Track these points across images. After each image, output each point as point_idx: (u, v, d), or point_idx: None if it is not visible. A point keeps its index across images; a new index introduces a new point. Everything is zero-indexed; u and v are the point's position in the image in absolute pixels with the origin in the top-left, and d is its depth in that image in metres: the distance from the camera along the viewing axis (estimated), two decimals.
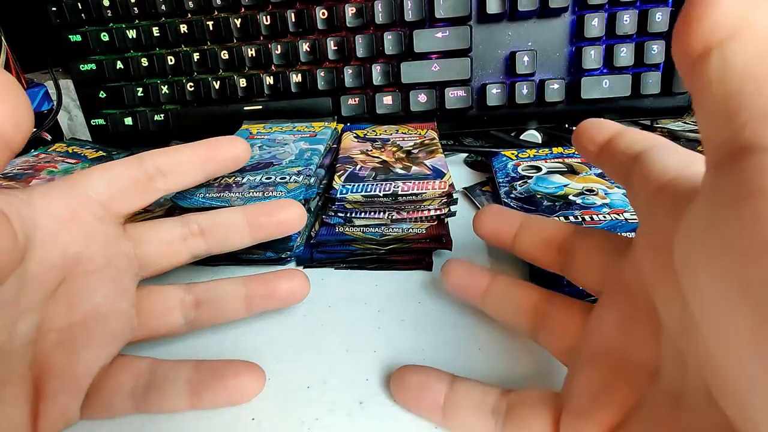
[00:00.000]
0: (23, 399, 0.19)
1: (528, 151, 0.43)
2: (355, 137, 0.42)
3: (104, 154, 0.45)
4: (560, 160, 0.40)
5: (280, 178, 0.34)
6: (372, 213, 0.34)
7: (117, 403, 0.21)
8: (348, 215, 0.34)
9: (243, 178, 0.34)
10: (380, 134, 0.43)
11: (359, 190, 0.33)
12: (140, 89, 0.49)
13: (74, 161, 0.43)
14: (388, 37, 0.45)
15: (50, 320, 0.20)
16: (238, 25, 0.47)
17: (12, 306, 0.18)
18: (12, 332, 0.18)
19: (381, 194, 0.32)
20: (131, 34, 0.48)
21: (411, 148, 0.39)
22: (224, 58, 0.47)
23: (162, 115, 0.50)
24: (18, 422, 0.18)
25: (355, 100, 0.48)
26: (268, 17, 0.46)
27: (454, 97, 0.46)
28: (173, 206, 0.33)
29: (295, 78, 0.47)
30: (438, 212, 0.33)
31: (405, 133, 0.42)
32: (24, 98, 0.17)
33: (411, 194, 0.32)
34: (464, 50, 0.45)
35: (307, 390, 0.24)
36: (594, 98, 0.45)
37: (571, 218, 0.32)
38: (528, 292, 0.23)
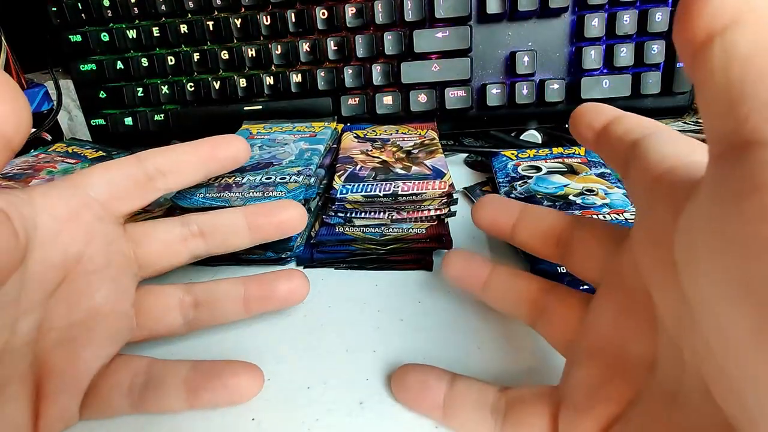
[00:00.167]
0: (24, 399, 0.19)
1: (528, 151, 0.43)
2: (355, 137, 0.42)
3: (104, 154, 0.45)
4: (560, 160, 0.40)
5: (280, 178, 0.34)
6: (372, 213, 0.34)
7: (115, 402, 0.21)
8: (348, 215, 0.34)
9: (243, 178, 0.34)
10: (380, 134, 0.43)
11: (359, 190, 0.33)
12: (140, 89, 0.49)
13: (74, 161, 0.43)
14: (388, 37, 0.45)
15: (50, 319, 0.20)
16: (238, 25, 0.47)
17: (13, 306, 0.18)
18: (13, 332, 0.18)
19: (381, 194, 0.32)
20: (131, 34, 0.48)
21: (411, 148, 0.39)
22: (224, 58, 0.47)
23: (162, 115, 0.50)
24: (19, 422, 0.18)
25: (355, 100, 0.48)
26: (268, 17, 0.46)
27: (454, 97, 0.46)
28: (173, 206, 0.33)
29: (295, 78, 0.47)
30: (438, 212, 0.33)
31: (405, 133, 0.42)
32: (23, 98, 0.17)
33: (411, 194, 0.32)
34: (464, 50, 0.45)
35: (307, 390, 0.24)
36: (594, 98, 0.45)
37: None
38: (528, 283, 0.23)
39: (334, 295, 0.30)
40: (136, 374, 0.22)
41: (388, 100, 0.47)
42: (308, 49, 0.47)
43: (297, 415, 0.22)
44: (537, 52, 0.45)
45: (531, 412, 0.19)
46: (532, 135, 0.48)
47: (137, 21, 0.48)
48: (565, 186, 0.36)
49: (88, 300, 0.21)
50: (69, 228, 0.20)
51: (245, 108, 0.49)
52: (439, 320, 0.27)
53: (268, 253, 0.32)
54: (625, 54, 0.44)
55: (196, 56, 0.48)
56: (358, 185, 0.33)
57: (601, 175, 0.37)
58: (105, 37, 0.48)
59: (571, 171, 0.38)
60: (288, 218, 0.27)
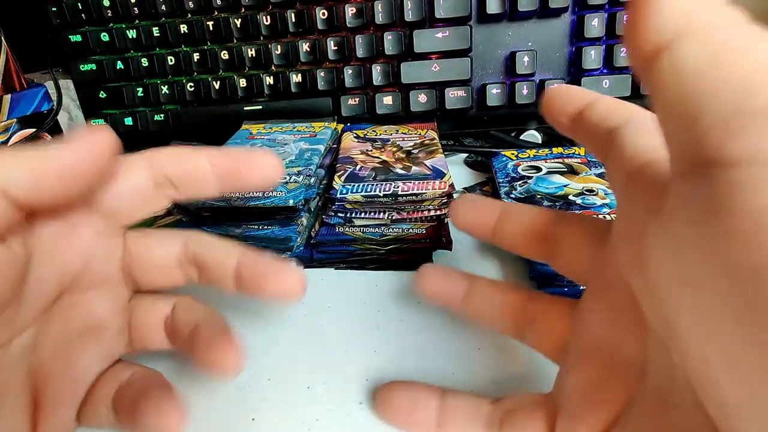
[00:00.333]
0: (22, 410, 0.19)
1: (528, 151, 0.43)
2: (355, 137, 0.42)
3: None
4: (560, 160, 0.40)
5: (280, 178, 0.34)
6: (372, 213, 0.34)
7: (107, 412, 0.21)
8: (348, 215, 0.34)
9: None
10: (380, 134, 0.43)
11: (359, 191, 0.33)
12: (140, 89, 0.49)
13: None
14: (388, 37, 0.45)
15: (46, 332, 0.19)
16: (238, 25, 0.47)
17: (9, 321, 0.18)
18: (9, 344, 0.18)
19: (381, 194, 0.32)
20: (131, 34, 0.48)
21: (411, 148, 0.39)
22: (224, 58, 0.47)
23: (162, 115, 0.50)
24: None
25: (355, 100, 0.48)
26: (268, 17, 0.46)
27: (454, 97, 0.46)
28: (173, 206, 0.33)
29: (295, 78, 0.47)
30: (438, 212, 0.33)
31: (405, 133, 0.42)
32: (51, 162, 0.16)
33: (411, 194, 0.32)
34: (464, 50, 0.45)
35: (307, 390, 0.24)
36: None
37: None
38: (510, 294, 0.22)
39: (334, 295, 0.30)
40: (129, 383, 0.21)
41: (388, 100, 0.47)
42: (308, 49, 0.47)
43: (297, 415, 0.22)
44: (537, 52, 0.45)
45: (527, 422, 0.19)
46: (532, 135, 0.48)
47: (137, 21, 0.48)
48: (565, 186, 0.36)
49: (83, 315, 0.21)
50: (68, 245, 0.19)
51: (245, 108, 0.49)
52: (439, 321, 0.27)
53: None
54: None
55: (196, 56, 0.48)
56: (358, 185, 0.33)
57: (601, 175, 0.37)
58: (105, 37, 0.48)
59: (571, 171, 0.38)
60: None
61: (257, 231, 0.32)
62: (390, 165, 0.36)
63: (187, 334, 0.20)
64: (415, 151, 0.38)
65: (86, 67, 0.49)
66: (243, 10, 0.46)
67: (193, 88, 0.49)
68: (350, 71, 0.47)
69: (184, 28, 0.47)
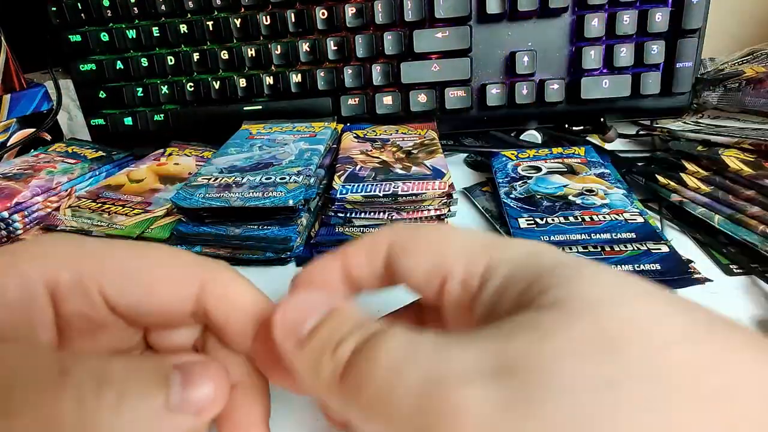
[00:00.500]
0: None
1: (528, 151, 0.43)
2: (355, 137, 0.42)
3: (104, 154, 0.45)
4: (560, 160, 0.40)
5: (280, 178, 0.34)
6: (372, 213, 0.34)
7: None
8: (348, 215, 0.34)
9: (243, 178, 0.34)
10: (380, 134, 0.43)
11: (359, 191, 0.33)
12: (140, 89, 0.49)
13: (74, 161, 0.43)
14: (388, 37, 0.45)
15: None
16: (238, 25, 0.47)
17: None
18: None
19: (381, 194, 0.32)
20: (131, 34, 0.48)
21: (411, 149, 0.39)
22: (224, 58, 0.47)
23: (162, 115, 0.50)
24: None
25: (355, 100, 0.48)
26: (268, 17, 0.46)
27: (454, 97, 0.46)
28: (173, 206, 0.33)
29: (295, 78, 0.47)
30: (438, 212, 0.33)
31: (405, 134, 0.42)
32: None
33: (411, 194, 0.32)
34: (464, 50, 0.45)
35: None
36: (594, 98, 0.45)
37: (571, 218, 0.32)
38: None
39: None
40: None
41: (388, 100, 0.47)
42: (308, 49, 0.47)
43: (297, 416, 0.22)
44: (537, 52, 0.45)
45: None
46: (532, 135, 0.48)
47: (137, 21, 0.48)
48: (564, 186, 0.36)
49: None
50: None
51: (245, 108, 0.49)
52: None
53: (267, 254, 0.32)
54: (624, 54, 0.44)
55: (196, 56, 0.48)
56: (358, 185, 0.33)
57: (601, 176, 0.37)
58: (105, 37, 0.48)
59: (571, 171, 0.38)
60: None
61: (257, 231, 0.32)
62: (390, 165, 0.36)
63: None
64: (415, 151, 0.38)
65: (86, 67, 0.49)
66: (243, 10, 0.46)
67: (193, 88, 0.49)
68: (350, 71, 0.47)
69: (184, 28, 0.47)
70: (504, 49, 0.45)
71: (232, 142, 0.41)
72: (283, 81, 0.47)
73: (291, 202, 0.31)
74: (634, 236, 0.30)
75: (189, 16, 0.47)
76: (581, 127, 0.48)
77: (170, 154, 0.45)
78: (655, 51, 0.43)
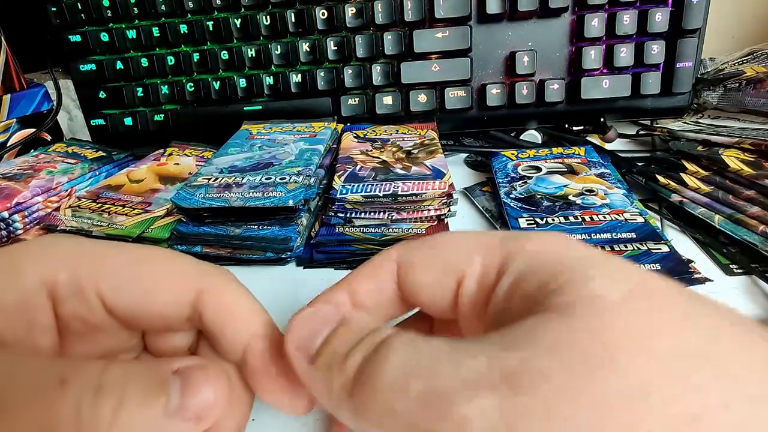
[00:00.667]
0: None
1: (528, 151, 0.43)
2: (355, 137, 0.42)
3: (104, 154, 0.45)
4: (560, 160, 0.40)
5: (280, 179, 0.34)
6: (372, 213, 0.34)
7: None
8: (348, 215, 0.34)
9: (243, 178, 0.34)
10: (380, 134, 0.43)
11: (359, 191, 0.33)
12: (140, 89, 0.49)
13: (74, 161, 0.43)
14: (388, 37, 0.45)
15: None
16: (238, 25, 0.47)
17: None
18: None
19: (381, 194, 0.32)
20: (131, 34, 0.48)
21: (411, 149, 0.39)
22: (224, 58, 0.47)
23: (162, 115, 0.50)
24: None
25: (355, 100, 0.48)
26: (268, 17, 0.46)
27: (454, 97, 0.46)
28: (173, 207, 0.33)
29: (295, 78, 0.47)
30: (438, 212, 0.33)
31: (405, 134, 0.42)
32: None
33: (411, 194, 0.32)
34: (464, 50, 0.45)
35: None
36: (594, 98, 0.45)
37: (571, 218, 0.32)
38: None
39: None
40: None
41: (388, 100, 0.47)
42: (308, 49, 0.47)
43: (297, 415, 0.22)
44: (537, 52, 0.45)
45: None
46: (532, 135, 0.48)
47: (137, 21, 0.48)
48: (564, 186, 0.36)
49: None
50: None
51: (245, 108, 0.49)
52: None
53: (268, 254, 0.32)
54: (624, 54, 0.44)
55: (196, 56, 0.48)
56: (358, 185, 0.33)
57: (601, 176, 0.37)
58: (105, 37, 0.48)
59: (571, 171, 0.38)
60: None
61: (257, 231, 0.32)
62: (390, 165, 0.36)
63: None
64: (415, 151, 0.38)
65: (86, 67, 0.49)
66: (243, 10, 0.46)
67: (193, 88, 0.49)
68: (350, 71, 0.47)
69: (184, 28, 0.47)
70: (504, 49, 0.45)
71: (232, 142, 0.41)
72: (283, 81, 0.47)
73: (291, 202, 0.31)
74: (635, 236, 0.30)
75: (189, 16, 0.47)
76: (581, 127, 0.48)
77: (170, 154, 0.45)
78: (655, 51, 0.43)
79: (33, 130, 0.49)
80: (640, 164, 0.41)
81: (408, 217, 0.33)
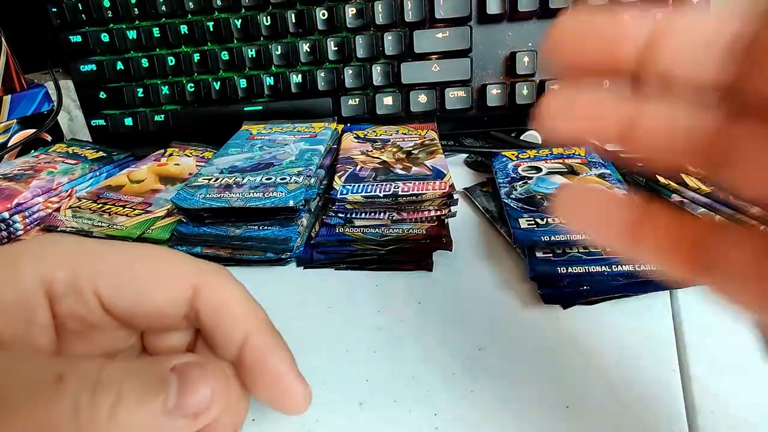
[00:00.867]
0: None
1: (528, 151, 0.43)
2: (355, 138, 0.42)
3: (104, 154, 0.45)
4: (560, 160, 0.40)
5: (281, 179, 0.34)
6: (372, 213, 0.34)
7: None
8: (348, 216, 0.34)
9: (243, 178, 0.34)
10: (380, 135, 0.43)
11: (359, 191, 0.33)
12: (140, 89, 0.49)
13: (74, 162, 0.43)
14: (388, 38, 0.45)
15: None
16: (239, 26, 0.47)
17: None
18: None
19: (381, 195, 0.32)
20: (131, 34, 0.48)
21: (411, 149, 0.39)
22: (224, 58, 0.47)
23: (162, 116, 0.50)
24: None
25: (355, 101, 0.48)
26: (269, 17, 0.46)
27: (454, 97, 0.46)
28: (174, 207, 0.33)
29: (296, 78, 0.47)
30: (438, 213, 0.33)
31: (405, 134, 0.42)
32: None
33: (411, 195, 0.32)
34: (464, 50, 0.45)
35: None
36: None
37: None
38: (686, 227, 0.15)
39: (334, 295, 0.30)
40: None
41: (388, 100, 0.47)
42: (308, 49, 0.47)
43: (297, 415, 0.22)
44: (537, 52, 0.45)
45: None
46: (532, 135, 0.48)
47: (137, 21, 0.48)
48: None
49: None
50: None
51: (245, 108, 0.49)
52: (439, 321, 0.27)
53: (268, 254, 0.32)
54: None
55: (196, 56, 0.48)
56: (359, 186, 0.33)
57: (602, 176, 0.37)
58: (105, 37, 0.48)
59: (572, 171, 0.38)
60: None
61: (257, 231, 0.32)
62: (390, 165, 0.36)
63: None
64: (416, 152, 0.38)
65: (86, 67, 0.49)
66: (243, 10, 0.46)
67: (193, 89, 0.49)
68: (350, 71, 0.47)
69: (184, 28, 0.47)
70: (504, 50, 0.45)
71: (233, 143, 0.41)
72: (284, 81, 0.47)
73: (291, 203, 0.31)
74: None
75: (189, 16, 0.47)
76: None
77: (171, 155, 0.45)
78: None
79: (33, 130, 0.49)
80: (640, 164, 0.41)
81: (408, 217, 0.33)
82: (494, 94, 0.46)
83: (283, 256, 0.32)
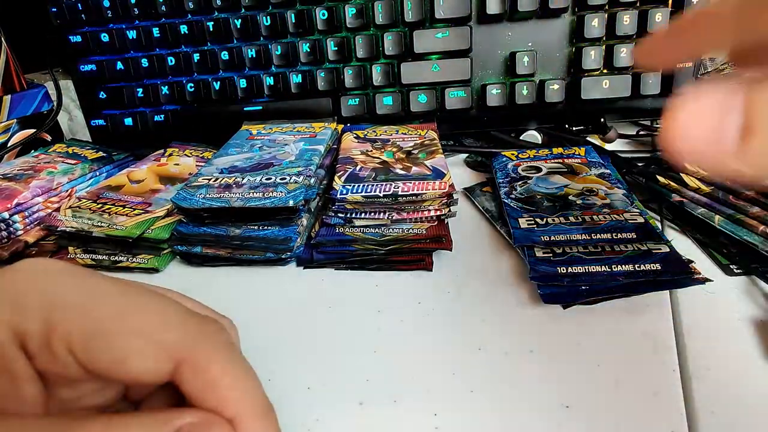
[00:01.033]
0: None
1: (528, 151, 0.43)
2: (355, 138, 0.42)
3: (104, 154, 0.45)
4: (560, 160, 0.40)
5: (281, 179, 0.34)
6: (372, 213, 0.34)
7: None
8: (348, 216, 0.34)
9: (243, 178, 0.34)
10: (380, 135, 0.43)
11: (359, 191, 0.33)
12: (140, 90, 0.49)
13: (74, 162, 0.43)
14: (389, 38, 0.45)
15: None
16: (239, 26, 0.47)
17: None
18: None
19: (381, 195, 0.32)
20: (131, 34, 0.48)
21: (411, 149, 0.39)
22: (224, 58, 0.47)
23: (162, 116, 0.50)
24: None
25: (355, 101, 0.48)
26: (269, 17, 0.46)
27: (454, 97, 0.46)
28: (173, 207, 0.33)
29: (296, 78, 0.47)
30: (438, 212, 0.33)
31: (405, 134, 0.43)
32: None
33: (411, 195, 0.32)
34: (464, 50, 0.45)
35: (308, 390, 0.24)
36: (594, 98, 0.45)
37: (572, 218, 0.32)
38: None
39: (334, 295, 0.30)
40: None
41: (388, 100, 0.47)
42: (308, 50, 0.47)
43: (297, 416, 0.22)
44: (537, 52, 0.45)
45: None
46: (532, 135, 0.48)
47: (137, 21, 0.48)
48: (565, 186, 0.36)
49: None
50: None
51: (245, 108, 0.49)
52: (439, 321, 0.27)
53: (268, 254, 0.32)
54: (624, 54, 0.44)
55: (196, 56, 0.48)
56: (359, 186, 0.33)
57: (601, 176, 0.37)
58: (105, 37, 0.48)
59: (571, 171, 0.38)
60: None
61: (257, 231, 0.32)
62: (390, 165, 0.36)
63: None
64: (416, 152, 0.38)
65: (86, 67, 0.49)
66: (243, 10, 0.46)
67: (193, 89, 0.49)
68: (350, 71, 0.47)
69: (184, 28, 0.47)
70: (504, 49, 0.45)
71: (233, 143, 0.41)
72: (284, 81, 0.47)
73: (291, 203, 0.31)
74: (635, 236, 0.30)
75: (189, 16, 0.47)
76: (581, 128, 0.48)
77: (170, 155, 0.45)
78: None
79: (33, 130, 0.49)
80: (640, 164, 0.41)
81: (408, 217, 0.33)
82: (494, 93, 0.46)
83: (283, 256, 0.32)
